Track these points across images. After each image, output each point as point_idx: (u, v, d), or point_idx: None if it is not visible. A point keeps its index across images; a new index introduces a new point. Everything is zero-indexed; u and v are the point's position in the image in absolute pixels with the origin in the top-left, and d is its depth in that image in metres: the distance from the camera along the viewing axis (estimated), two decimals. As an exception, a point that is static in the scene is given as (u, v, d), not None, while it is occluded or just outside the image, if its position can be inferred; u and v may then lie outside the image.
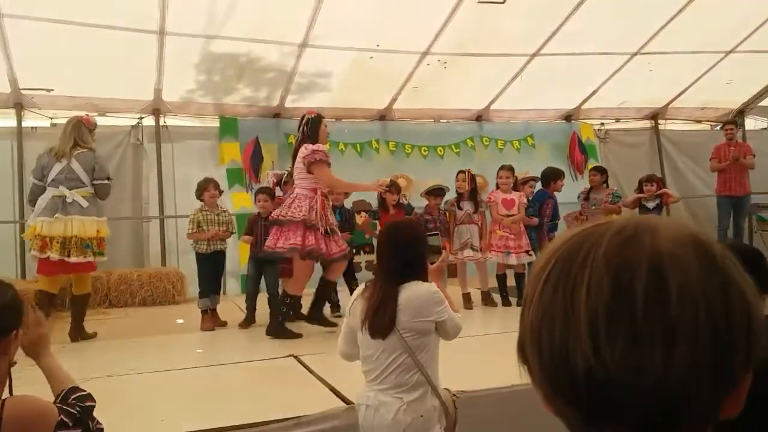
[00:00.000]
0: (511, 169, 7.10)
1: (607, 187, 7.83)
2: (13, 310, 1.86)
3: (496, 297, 6.94)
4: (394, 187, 6.75)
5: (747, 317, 0.63)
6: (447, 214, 6.95)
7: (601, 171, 7.96)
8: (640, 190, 7.76)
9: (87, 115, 6.32)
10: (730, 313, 0.62)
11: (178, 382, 4.48)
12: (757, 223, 10.76)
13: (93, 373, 4.40)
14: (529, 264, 7.02)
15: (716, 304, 0.62)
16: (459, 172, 7.05)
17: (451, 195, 7.01)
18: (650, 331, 0.60)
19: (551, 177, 7.47)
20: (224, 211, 6.50)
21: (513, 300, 6.82)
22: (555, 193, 7.47)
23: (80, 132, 5.84)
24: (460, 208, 6.87)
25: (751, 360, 0.65)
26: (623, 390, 0.61)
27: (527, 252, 6.88)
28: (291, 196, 5.65)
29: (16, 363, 1.94)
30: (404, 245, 2.84)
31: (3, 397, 1.80)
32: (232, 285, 8.16)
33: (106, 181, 5.82)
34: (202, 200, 6.34)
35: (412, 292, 2.76)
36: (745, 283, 0.65)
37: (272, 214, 5.62)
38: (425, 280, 2.82)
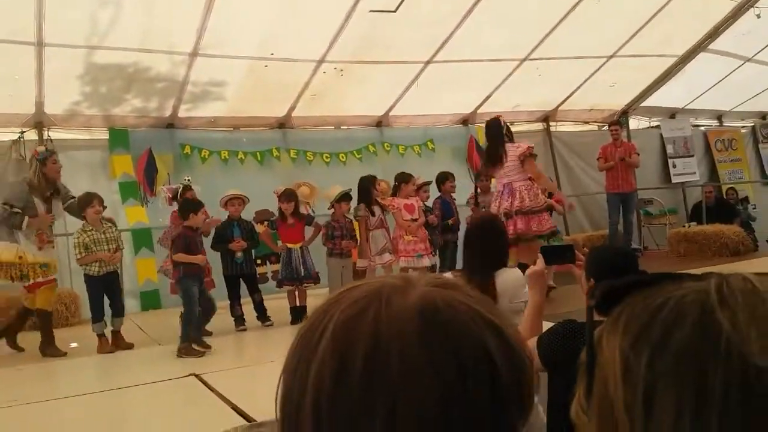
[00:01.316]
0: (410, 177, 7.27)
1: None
2: None
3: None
4: (286, 196, 6.68)
5: (489, 384, 0.61)
6: (358, 220, 6.97)
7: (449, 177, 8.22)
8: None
9: (37, 148, 6.21)
10: (462, 384, 0.59)
11: (66, 411, 4.25)
12: (644, 217, 11.44)
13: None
14: (432, 265, 7.21)
15: (443, 374, 0.59)
16: (374, 179, 7.16)
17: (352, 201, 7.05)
18: (370, 409, 0.58)
19: (441, 180, 7.87)
20: (110, 227, 6.13)
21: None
22: (452, 195, 7.76)
23: (30, 164, 5.96)
24: (373, 214, 6.91)
25: (505, 424, 0.62)
26: None
27: (432, 253, 7.08)
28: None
29: None
30: (494, 237, 3.18)
31: None
32: (131, 303, 7.83)
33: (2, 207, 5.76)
34: (83, 218, 5.92)
35: (506, 277, 3.05)
36: (493, 338, 0.62)
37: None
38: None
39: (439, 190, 7.80)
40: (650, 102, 11.73)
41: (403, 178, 7.26)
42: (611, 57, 9.96)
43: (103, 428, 3.90)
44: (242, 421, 3.64)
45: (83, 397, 4.48)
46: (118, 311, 6.08)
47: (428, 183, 7.66)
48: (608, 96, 11.14)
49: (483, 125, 10.70)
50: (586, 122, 11.80)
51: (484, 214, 6.44)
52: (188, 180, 6.75)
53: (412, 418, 0.58)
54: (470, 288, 0.67)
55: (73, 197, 6.14)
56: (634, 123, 12.13)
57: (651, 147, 11.94)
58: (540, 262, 2.61)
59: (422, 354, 0.59)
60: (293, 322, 6.54)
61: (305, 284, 6.58)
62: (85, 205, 5.93)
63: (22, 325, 6.18)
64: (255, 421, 3.57)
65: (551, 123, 11.40)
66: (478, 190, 7.87)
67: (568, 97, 10.92)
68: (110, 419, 4.10)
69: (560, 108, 11.21)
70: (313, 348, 0.62)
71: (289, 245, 6.59)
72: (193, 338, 5.59)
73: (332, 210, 6.95)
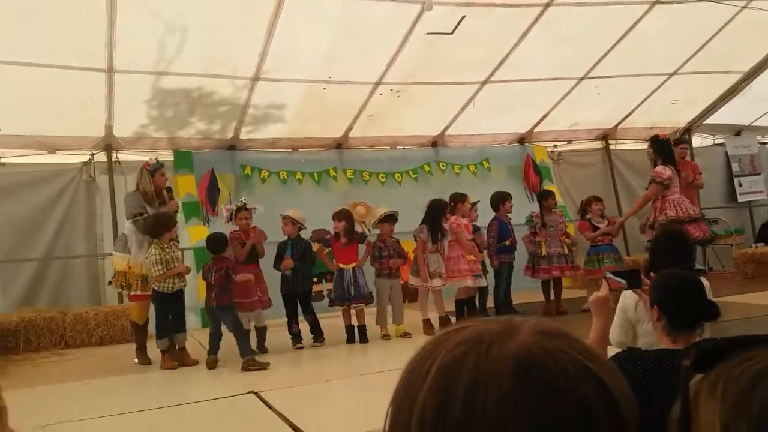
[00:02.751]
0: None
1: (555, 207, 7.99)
2: None
3: (453, 320, 7.01)
4: (338, 215, 6.72)
5: (586, 428, 0.63)
6: (417, 241, 6.96)
7: (551, 194, 8.13)
8: (584, 211, 7.89)
9: (148, 160, 6.66)
10: (560, 428, 0.62)
11: (130, 427, 4.39)
12: (708, 237, 11.06)
13: (44, 420, 4.30)
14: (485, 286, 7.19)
15: (539, 421, 0.62)
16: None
17: (402, 223, 7.02)
18: None
19: (498, 201, 7.69)
20: (176, 245, 6.38)
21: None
22: (508, 215, 7.67)
23: (139, 176, 6.42)
24: (434, 240, 6.85)
25: None
26: None
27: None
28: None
29: None
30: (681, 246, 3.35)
31: None
32: (192, 320, 8.03)
33: (135, 220, 6.21)
34: (155, 236, 6.06)
35: None
36: (593, 389, 0.64)
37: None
38: None
39: (496, 211, 7.68)
40: (714, 119, 11.41)
41: (459, 198, 7.23)
42: (673, 74, 9.76)
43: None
44: (300, 441, 3.70)
45: (146, 413, 4.62)
46: (182, 327, 6.22)
47: (477, 202, 7.59)
48: (670, 113, 10.90)
49: (540, 144, 10.71)
50: (647, 140, 11.53)
51: (669, 225, 6.65)
52: (244, 201, 6.89)
53: None
54: (576, 338, 0.70)
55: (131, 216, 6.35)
56: (698, 141, 11.82)
57: (715, 165, 11.60)
58: (604, 288, 2.57)
59: (517, 402, 0.63)
60: (348, 341, 6.58)
61: (354, 304, 6.58)
62: (170, 225, 6.11)
63: (144, 336, 6.38)
64: (312, 440, 3.63)
65: (611, 141, 11.22)
66: (543, 209, 7.77)
67: (628, 115, 10.74)
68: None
69: (620, 126, 11.02)
70: (419, 385, 0.67)
71: (342, 265, 6.62)
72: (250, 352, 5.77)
73: (378, 231, 6.96)
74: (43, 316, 7.34)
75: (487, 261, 7.54)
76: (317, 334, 6.56)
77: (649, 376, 2.22)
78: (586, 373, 0.65)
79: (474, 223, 7.45)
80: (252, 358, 5.76)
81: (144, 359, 6.25)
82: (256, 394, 4.76)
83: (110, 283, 6.57)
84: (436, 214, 6.96)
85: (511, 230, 7.64)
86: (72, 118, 7.76)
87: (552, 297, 7.62)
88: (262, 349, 6.41)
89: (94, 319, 7.45)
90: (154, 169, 6.38)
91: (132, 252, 6.20)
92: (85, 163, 8.40)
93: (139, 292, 6.24)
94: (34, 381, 5.85)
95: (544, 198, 7.85)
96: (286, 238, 6.76)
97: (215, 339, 5.98)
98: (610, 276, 2.63)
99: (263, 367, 5.69)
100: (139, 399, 5.02)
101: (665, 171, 7.44)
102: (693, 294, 2.37)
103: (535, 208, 8.04)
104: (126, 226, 6.35)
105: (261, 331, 6.50)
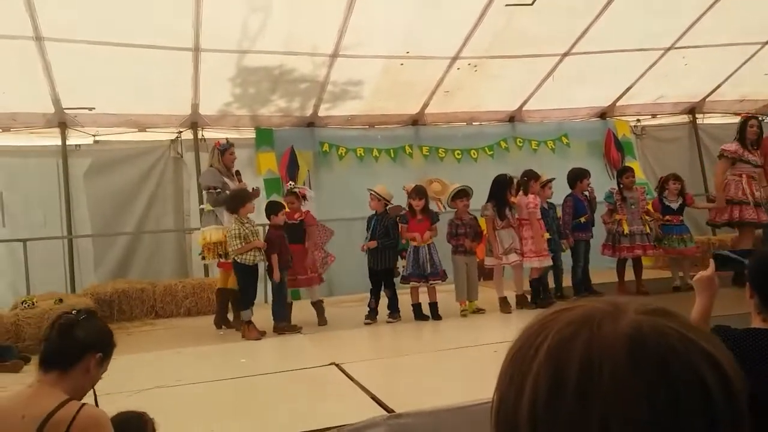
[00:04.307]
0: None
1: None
2: (106, 337, 2.38)
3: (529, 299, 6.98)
4: (416, 192, 6.75)
5: (702, 405, 0.64)
6: (485, 219, 6.94)
7: (631, 170, 7.91)
8: (661, 189, 7.66)
9: (219, 140, 7.14)
10: (674, 404, 0.63)
11: (223, 392, 4.61)
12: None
13: (143, 385, 4.57)
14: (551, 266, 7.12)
15: (655, 394, 0.63)
16: (511, 178, 7.05)
17: (477, 200, 6.99)
18: (584, 418, 0.64)
19: (576, 178, 7.51)
20: (253, 221, 6.57)
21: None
22: (585, 192, 7.51)
23: (211, 154, 6.89)
24: (501, 217, 6.81)
25: None
26: None
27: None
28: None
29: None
30: None
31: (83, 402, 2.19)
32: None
33: (209, 192, 6.69)
34: (237, 213, 6.27)
35: None
36: (706, 365, 0.66)
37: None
38: None
39: (572, 188, 7.49)
40: (812, 91, 10.76)
41: (532, 175, 7.12)
42: (766, 43, 9.24)
43: (252, 410, 4.20)
44: (382, 411, 3.80)
45: (235, 381, 4.84)
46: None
47: (551, 180, 7.43)
48: (763, 85, 10.33)
49: (623, 118, 10.40)
50: (737, 114, 10.99)
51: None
52: (292, 184, 7.03)
53: (625, 429, 0.63)
54: (683, 317, 0.71)
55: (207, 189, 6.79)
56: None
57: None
58: (711, 268, 2.52)
59: (633, 377, 0.64)
60: (416, 317, 6.62)
61: (431, 281, 6.62)
62: (246, 200, 6.32)
63: (226, 305, 6.81)
64: (393, 411, 3.72)
65: (698, 115, 10.76)
66: (622, 185, 7.57)
67: (717, 87, 10.28)
68: (256, 402, 4.40)
69: (708, 99, 10.55)
70: (528, 364, 0.69)
71: (416, 243, 6.65)
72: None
73: (454, 208, 6.92)
74: (135, 287, 7.76)
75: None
76: (394, 309, 6.65)
77: (730, 348, 2.17)
78: (697, 349, 0.66)
79: (548, 201, 7.31)
80: (286, 324, 6.31)
81: (226, 323, 6.65)
82: (338, 365, 4.90)
83: (203, 257, 6.86)
84: (501, 189, 6.88)
85: (587, 207, 7.47)
86: (160, 97, 8.08)
87: (628, 278, 7.44)
88: (321, 321, 6.62)
89: (182, 291, 7.81)
90: (224, 149, 6.78)
91: (224, 222, 6.51)
92: (172, 141, 8.74)
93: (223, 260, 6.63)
94: (128, 349, 6.17)
95: (623, 174, 7.65)
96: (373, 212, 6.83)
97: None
98: (728, 254, 2.56)
99: (297, 330, 6.28)
100: (227, 367, 5.25)
101: (731, 146, 7.55)
102: None
103: (615, 184, 7.82)
104: (206, 201, 6.73)
105: (317, 306, 6.72)
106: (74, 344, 2.24)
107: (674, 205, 7.61)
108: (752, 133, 7.57)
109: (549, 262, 6.97)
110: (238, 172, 6.97)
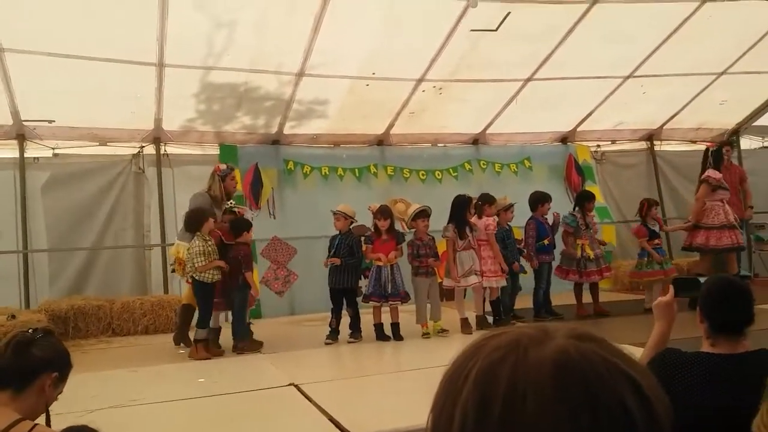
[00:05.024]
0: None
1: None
2: (63, 358, 2.33)
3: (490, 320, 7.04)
4: (381, 212, 6.77)
5: (625, 430, 0.65)
6: (446, 240, 6.98)
7: (593, 197, 8.12)
8: (644, 214, 7.87)
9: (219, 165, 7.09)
10: (599, 428, 0.64)
11: (179, 413, 4.54)
12: (755, 243, 10.83)
13: (95, 405, 4.47)
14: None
15: (579, 421, 0.64)
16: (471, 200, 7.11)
17: (441, 221, 7.04)
18: None
19: (537, 201, 7.67)
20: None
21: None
22: (554, 215, 7.67)
23: (211, 179, 6.81)
24: (461, 237, 6.87)
25: None
26: None
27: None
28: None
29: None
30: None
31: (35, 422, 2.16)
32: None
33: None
34: (199, 231, 6.22)
35: None
36: (629, 390, 0.67)
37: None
38: None
39: (533, 211, 7.65)
40: (764, 120, 11.13)
41: (487, 199, 7.24)
42: (722, 74, 9.56)
43: (213, 430, 4.14)
44: (339, 433, 3.78)
45: (192, 401, 4.77)
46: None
47: (511, 205, 7.56)
48: (718, 114, 10.67)
49: (583, 143, 10.62)
50: (693, 141, 11.33)
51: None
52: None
53: None
54: (609, 342, 0.72)
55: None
56: (746, 143, 11.55)
57: (764, 168, 11.28)
58: (670, 294, 2.59)
59: (557, 400, 0.65)
60: (378, 338, 6.60)
61: (391, 302, 6.61)
62: (204, 219, 6.27)
63: (189, 322, 6.69)
64: (351, 434, 3.70)
65: (656, 142, 11.04)
66: (584, 210, 7.72)
67: (674, 115, 10.55)
68: (212, 424, 4.33)
69: (665, 126, 10.84)
70: (458, 390, 0.70)
71: (380, 263, 6.65)
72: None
73: (414, 229, 6.96)
74: (91, 304, 7.58)
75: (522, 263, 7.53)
76: (355, 329, 6.63)
77: (677, 370, 2.23)
78: (622, 376, 0.68)
79: (509, 224, 7.44)
80: (246, 342, 6.32)
81: (185, 340, 6.55)
82: (296, 386, 4.87)
83: (173, 270, 6.91)
84: (460, 210, 6.94)
85: (548, 230, 7.61)
86: (123, 111, 7.98)
87: (582, 300, 7.62)
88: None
89: (140, 308, 7.66)
90: (225, 174, 6.76)
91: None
92: (134, 155, 8.62)
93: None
94: (83, 367, 5.96)
95: (587, 200, 7.79)
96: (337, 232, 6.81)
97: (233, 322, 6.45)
98: (685, 278, 2.62)
99: (257, 349, 6.31)
100: (184, 387, 5.18)
101: (715, 173, 7.78)
102: (735, 300, 2.34)
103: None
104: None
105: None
106: (29, 363, 2.20)
107: (656, 229, 7.89)
108: (728, 160, 7.94)
109: (504, 282, 7.07)
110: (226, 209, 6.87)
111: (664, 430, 0.68)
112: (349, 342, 6.55)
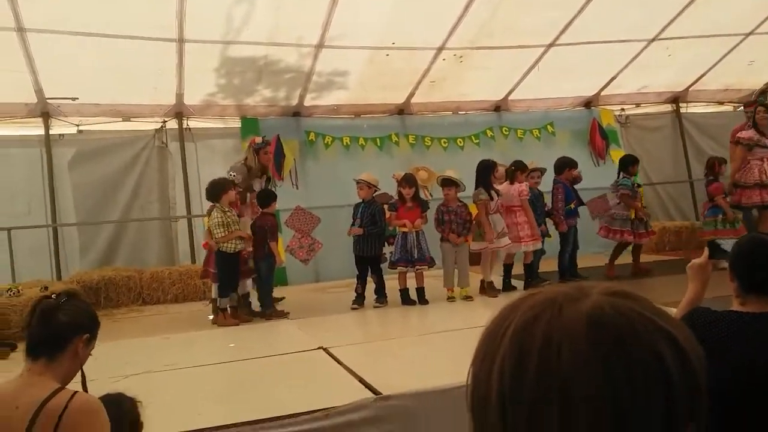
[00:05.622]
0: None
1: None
2: (90, 318, 2.33)
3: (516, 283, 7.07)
4: (406, 180, 6.78)
5: (660, 385, 0.67)
6: (478, 204, 7.00)
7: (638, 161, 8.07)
8: (715, 173, 7.81)
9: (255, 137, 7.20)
10: (632, 384, 0.66)
11: (211, 377, 4.64)
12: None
13: (131, 370, 4.58)
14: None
15: (612, 372, 0.66)
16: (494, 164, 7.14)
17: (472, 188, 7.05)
18: (545, 399, 0.67)
19: (562, 166, 7.66)
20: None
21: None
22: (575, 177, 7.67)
23: (247, 150, 6.93)
24: (491, 198, 6.91)
25: (680, 423, 0.68)
26: None
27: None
28: None
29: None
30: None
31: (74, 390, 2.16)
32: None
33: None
34: (218, 202, 6.28)
35: None
36: (664, 343, 0.69)
37: None
38: None
39: (558, 174, 7.63)
40: (793, 80, 10.89)
41: (519, 166, 7.22)
42: (749, 34, 9.35)
43: (240, 394, 4.23)
44: (369, 394, 3.84)
45: (224, 365, 4.87)
46: (236, 287, 6.50)
47: (541, 170, 7.54)
48: (746, 74, 10.46)
49: (607, 107, 10.48)
50: (720, 103, 11.14)
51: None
52: (231, 173, 6.93)
53: (584, 410, 0.66)
54: (644, 298, 0.74)
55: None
56: (775, 103, 11.32)
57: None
58: (704, 255, 2.58)
59: (591, 352, 0.68)
60: (404, 302, 6.66)
61: (418, 267, 6.65)
62: (225, 189, 6.33)
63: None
64: (381, 393, 3.76)
65: (681, 104, 10.86)
66: (630, 174, 7.68)
67: (700, 77, 10.37)
68: (245, 386, 4.42)
69: (691, 88, 10.65)
70: (496, 345, 0.73)
71: (405, 229, 6.68)
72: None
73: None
74: (121, 274, 7.76)
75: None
76: (380, 294, 6.70)
77: (706, 329, 2.23)
78: (657, 330, 0.70)
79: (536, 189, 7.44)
80: (273, 309, 6.44)
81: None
82: (325, 350, 4.94)
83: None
84: (486, 174, 6.96)
85: (575, 193, 7.59)
86: (145, 87, 8.05)
87: (614, 262, 7.63)
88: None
89: (169, 278, 7.81)
90: (259, 148, 6.84)
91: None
92: (157, 130, 8.70)
93: None
94: (116, 335, 6.18)
95: (632, 164, 7.77)
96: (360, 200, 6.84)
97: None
98: (720, 242, 2.61)
99: (284, 316, 6.40)
100: (215, 353, 5.28)
101: (746, 132, 7.68)
102: (764, 259, 2.29)
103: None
104: None
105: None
106: (59, 330, 2.18)
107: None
108: (762, 119, 7.78)
109: (540, 245, 7.15)
110: (269, 179, 7.08)
111: (700, 382, 0.70)
112: (375, 307, 6.63)
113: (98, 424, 2.08)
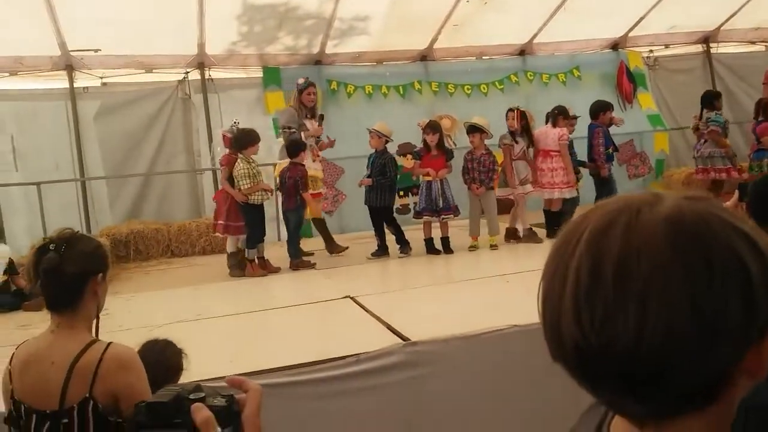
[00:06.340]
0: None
1: None
2: (97, 257, 2.21)
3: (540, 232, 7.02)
4: (430, 127, 6.71)
5: (740, 285, 0.67)
6: (502, 149, 6.94)
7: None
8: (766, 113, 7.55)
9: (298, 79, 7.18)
10: (712, 283, 0.66)
11: (243, 325, 4.74)
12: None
13: (162, 320, 4.69)
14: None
15: (693, 273, 0.66)
16: (508, 110, 7.00)
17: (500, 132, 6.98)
18: (623, 302, 0.66)
19: (599, 110, 7.45)
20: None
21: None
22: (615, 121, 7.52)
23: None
24: (516, 143, 6.85)
25: (759, 322, 0.68)
26: (605, 358, 0.68)
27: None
28: None
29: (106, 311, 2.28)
30: None
31: (106, 341, 2.15)
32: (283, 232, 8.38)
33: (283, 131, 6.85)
34: (242, 152, 6.28)
35: None
36: (743, 243, 0.68)
37: None
38: None
39: (594, 119, 7.41)
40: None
41: (562, 110, 7.09)
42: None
43: (272, 341, 4.33)
44: (398, 340, 3.91)
45: (255, 314, 4.97)
46: (263, 237, 6.50)
47: (575, 117, 7.39)
48: (779, 12, 10.09)
49: (635, 49, 10.21)
50: (753, 42, 10.78)
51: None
52: (236, 122, 6.84)
53: (663, 311, 0.66)
54: (722, 204, 0.73)
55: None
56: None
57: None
58: (734, 198, 2.55)
59: (671, 254, 0.66)
60: (428, 252, 6.65)
61: (443, 216, 6.62)
62: (253, 141, 6.33)
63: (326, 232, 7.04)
64: (409, 339, 3.82)
65: (712, 45, 10.54)
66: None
67: (731, 16, 10.02)
68: (276, 333, 4.52)
69: (722, 28, 10.31)
70: (570, 253, 0.71)
71: (429, 178, 6.64)
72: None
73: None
74: (149, 227, 7.86)
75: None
76: (403, 243, 6.70)
77: None
78: (737, 233, 0.69)
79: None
80: (300, 260, 6.44)
81: (337, 247, 6.86)
82: (353, 298, 5.01)
83: (278, 188, 6.94)
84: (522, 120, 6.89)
85: (610, 138, 7.45)
86: (166, 38, 7.97)
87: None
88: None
89: (196, 230, 7.91)
90: (301, 89, 6.89)
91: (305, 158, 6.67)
92: (180, 82, 8.68)
93: (313, 192, 6.73)
94: (148, 286, 6.35)
95: (716, 98, 7.62)
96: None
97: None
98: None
99: (311, 266, 6.41)
100: (246, 302, 5.37)
101: None
102: None
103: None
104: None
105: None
106: (72, 282, 2.11)
107: None
108: None
109: (575, 192, 7.03)
110: (322, 116, 7.14)
111: None
112: (400, 257, 6.65)
113: (134, 373, 2.10)
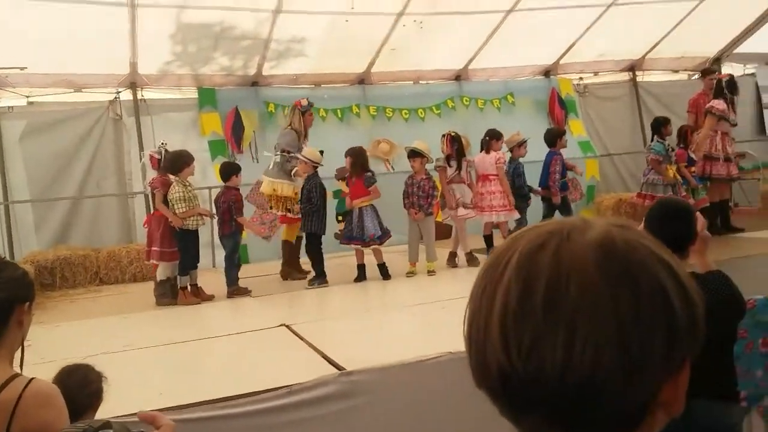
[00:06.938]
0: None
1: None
2: (25, 284, 2.11)
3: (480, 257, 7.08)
4: (348, 151, 6.63)
5: (665, 313, 0.67)
6: (438, 172, 7.00)
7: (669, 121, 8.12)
8: (685, 141, 7.90)
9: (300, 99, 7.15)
10: (639, 314, 0.66)
11: (173, 356, 4.58)
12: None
13: (89, 351, 4.49)
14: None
15: (620, 303, 0.65)
16: (442, 135, 7.08)
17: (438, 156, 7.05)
18: (552, 328, 0.65)
19: (556, 136, 7.72)
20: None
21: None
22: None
23: (291, 113, 7.01)
24: (450, 166, 6.92)
25: (679, 355, 0.69)
26: (531, 386, 0.66)
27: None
28: None
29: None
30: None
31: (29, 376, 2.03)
32: (220, 257, 8.18)
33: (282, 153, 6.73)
34: (178, 175, 6.11)
35: None
36: (667, 276, 0.69)
37: None
38: None
39: (551, 146, 7.63)
40: (745, 48, 11.09)
41: (494, 134, 7.22)
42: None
43: (203, 372, 4.20)
44: (333, 369, 3.85)
45: (187, 344, 4.81)
46: (196, 264, 6.34)
47: (525, 141, 7.51)
48: (699, 43, 10.60)
49: (566, 76, 10.54)
50: (676, 71, 11.29)
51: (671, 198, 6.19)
52: (164, 143, 6.63)
53: (591, 338, 0.65)
54: (647, 234, 0.74)
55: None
56: (727, 70, 11.50)
57: (745, 97, 11.30)
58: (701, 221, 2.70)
59: (600, 282, 0.66)
60: (357, 279, 6.53)
61: (353, 245, 6.49)
62: (187, 162, 6.18)
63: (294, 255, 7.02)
64: (344, 369, 3.77)
65: (638, 72, 10.98)
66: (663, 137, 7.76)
67: (656, 45, 10.47)
68: (208, 364, 4.40)
69: (647, 56, 10.77)
70: (498, 276, 0.70)
71: (352, 204, 6.53)
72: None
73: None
74: (77, 254, 7.56)
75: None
76: (317, 273, 6.50)
77: None
78: (661, 262, 0.69)
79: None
80: (237, 287, 6.30)
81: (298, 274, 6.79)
82: (287, 326, 4.93)
83: (270, 207, 6.87)
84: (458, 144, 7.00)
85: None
86: (96, 56, 7.76)
87: None
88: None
89: (126, 257, 7.65)
90: (305, 110, 6.87)
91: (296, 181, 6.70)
92: (111, 102, 8.44)
93: (293, 216, 6.74)
94: (73, 316, 6.08)
95: (664, 125, 7.79)
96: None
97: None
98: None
99: (247, 293, 6.27)
100: (177, 331, 5.20)
101: (719, 103, 7.79)
102: (670, 218, 2.51)
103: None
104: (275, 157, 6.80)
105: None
106: None
107: (694, 157, 7.92)
108: (707, 87, 7.93)
109: (516, 215, 7.12)
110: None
111: (699, 318, 0.70)
112: (306, 289, 6.45)
113: (54, 411, 1.98)
